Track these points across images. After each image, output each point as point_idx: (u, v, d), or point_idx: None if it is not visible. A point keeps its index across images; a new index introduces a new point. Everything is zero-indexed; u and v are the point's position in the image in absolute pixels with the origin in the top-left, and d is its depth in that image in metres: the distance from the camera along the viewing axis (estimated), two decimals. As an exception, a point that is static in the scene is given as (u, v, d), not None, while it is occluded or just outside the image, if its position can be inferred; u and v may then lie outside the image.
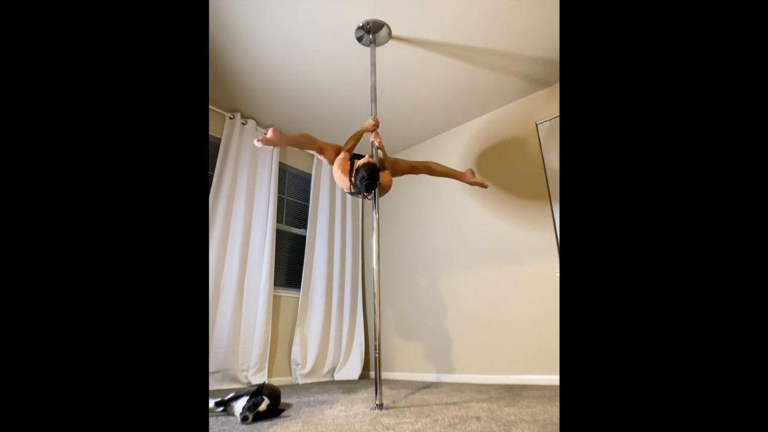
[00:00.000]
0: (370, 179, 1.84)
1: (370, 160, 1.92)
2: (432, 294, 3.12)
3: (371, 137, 2.07)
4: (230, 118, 3.00)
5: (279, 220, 3.34)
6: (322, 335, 3.19)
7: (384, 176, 1.96)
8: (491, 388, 2.23)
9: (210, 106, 2.95)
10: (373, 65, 2.29)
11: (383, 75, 2.61)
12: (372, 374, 3.35)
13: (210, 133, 2.92)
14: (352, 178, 1.88)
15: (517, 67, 2.60)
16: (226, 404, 1.52)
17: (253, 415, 1.37)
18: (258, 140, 1.83)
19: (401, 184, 3.24)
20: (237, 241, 2.78)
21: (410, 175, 2.34)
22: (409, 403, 1.74)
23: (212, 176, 2.82)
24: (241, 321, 2.70)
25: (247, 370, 2.64)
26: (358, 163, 1.89)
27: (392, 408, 1.63)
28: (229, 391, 1.93)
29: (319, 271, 3.34)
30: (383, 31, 2.25)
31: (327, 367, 3.15)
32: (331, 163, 2.08)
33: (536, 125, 2.80)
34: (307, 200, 3.58)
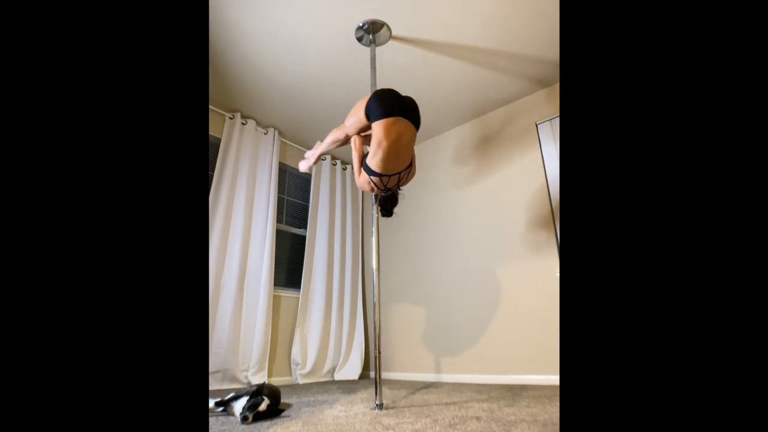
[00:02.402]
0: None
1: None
2: (432, 294, 3.12)
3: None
4: (230, 118, 3.00)
5: (279, 220, 3.34)
6: (322, 335, 3.19)
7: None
8: (491, 388, 2.23)
9: (210, 106, 2.95)
10: (373, 65, 2.30)
11: (383, 75, 2.61)
12: (372, 374, 3.35)
13: (210, 133, 2.92)
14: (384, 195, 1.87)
15: (517, 67, 2.60)
16: (226, 404, 1.52)
17: (253, 415, 1.37)
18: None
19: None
20: (237, 241, 2.78)
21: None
22: (409, 403, 1.74)
23: (212, 176, 2.82)
24: (241, 321, 2.70)
25: (247, 370, 2.64)
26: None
27: (392, 408, 1.63)
28: (229, 391, 1.93)
29: (319, 271, 3.34)
30: (383, 31, 2.25)
31: (327, 367, 3.15)
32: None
33: (536, 125, 2.80)
34: (307, 200, 3.58)
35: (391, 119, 1.67)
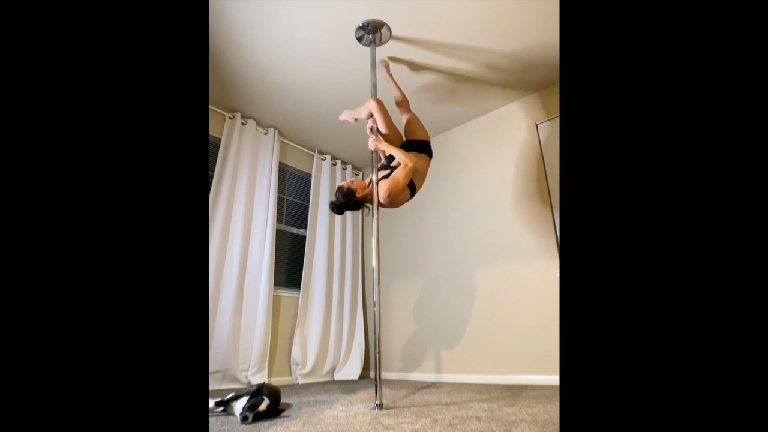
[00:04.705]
0: (336, 202, 1.93)
1: (347, 183, 1.94)
2: (432, 294, 3.12)
3: (370, 144, 2.00)
4: (230, 118, 3.00)
5: (279, 220, 3.34)
6: (322, 335, 3.19)
7: (383, 185, 1.87)
8: (491, 388, 2.23)
9: (210, 106, 2.95)
10: (373, 65, 2.29)
11: (383, 75, 2.60)
12: (372, 374, 3.35)
13: (210, 133, 2.92)
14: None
15: (517, 67, 2.60)
16: (226, 404, 1.52)
17: (253, 415, 1.37)
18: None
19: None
20: (237, 241, 2.78)
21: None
22: (409, 403, 1.74)
23: (212, 176, 2.82)
24: (241, 321, 2.70)
25: (247, 370, 2.64)
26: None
27: (392, 408, 1.63)
28: (229, 391, 1.93)
29: (319, 271, 3.34)
30: (383, 31, 2.25)
31: (327, 367, 3.15)
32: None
33: (536, 125, 2.80)
34: (307, 200, 3.58)
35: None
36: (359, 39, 2.32)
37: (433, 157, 3.40)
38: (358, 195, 1.90)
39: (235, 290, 2.69)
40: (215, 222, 2.71)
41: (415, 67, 2.58)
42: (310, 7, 2.10)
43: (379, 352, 1.74)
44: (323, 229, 3.46)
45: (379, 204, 1.88)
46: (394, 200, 1.85)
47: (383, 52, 2.42)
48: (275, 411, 1.49)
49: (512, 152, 2.90)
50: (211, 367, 2.47)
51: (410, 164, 1.86)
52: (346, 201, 1.90)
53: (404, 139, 2.19)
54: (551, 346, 2.30)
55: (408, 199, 1.95)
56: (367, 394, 2.11)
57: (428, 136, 2.17)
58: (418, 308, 3.19)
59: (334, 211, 1.96)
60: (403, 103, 2.34)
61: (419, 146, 2.07)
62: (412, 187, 1.92)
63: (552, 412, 1.39)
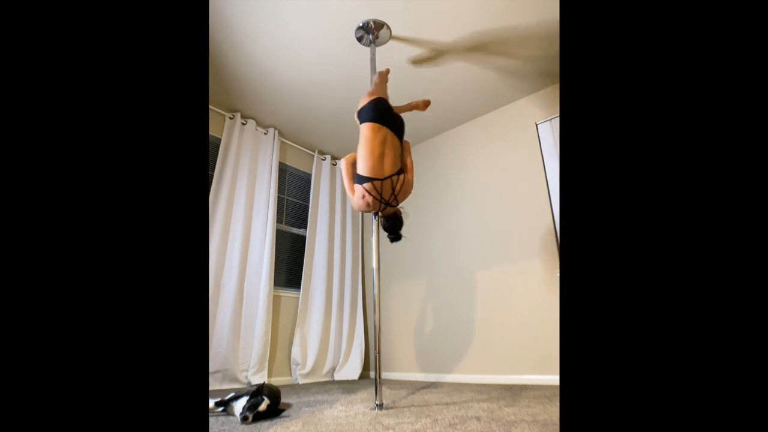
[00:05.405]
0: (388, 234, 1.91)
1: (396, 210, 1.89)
2: (432, 294, 3.12)
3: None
4: (230, 118, 3.00)
5: (279, 220, 3.34)
6: (322, 335, 3.19)
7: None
8: (491, 388, 2.23)
9: (210, 106, 2.95)
10: (373, 65, 2.30)
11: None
12: (372, 374, 3.35)
13: (210, 133, 2.92)
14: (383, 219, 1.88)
15: (518, 66, 2.60)
16: (226, 404, 1.52)
17: (253, 415, 1.37)
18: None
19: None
20: (237, 241, 2.78)
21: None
22: (409, 403, 1.74)
23: (212, 176, 2.82)
24: (241, 321, 2.70)
25: (247, 370, 2.64)
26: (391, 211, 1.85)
27: (392, 408, 1.63)
28: (229, 391, 1.93)
29: (319, 271, 3.34)
30: (383, 31, 2.25)
31: (327, 367, 3.15)
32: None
33: (536, 125, 2.80)
34: (307, 200, 3.58)
35: (377, 124, 1.81)
36: (359, 39, 2.32)
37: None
38: (384, 224, 1.92)
39: (235, 290, 2.69)
40: (215, 222, 2.71)
41: (416, 62, 2.58)
42: (310, 6, 2.10)
43: (379, 352, 1.74)
44: (323, 229, 3.46)
45: (377, 215, 1.90)
46: (363, 208, 1.79)
47: (383, 52, 2.42)
48: (275, 411, 1.49)
49: (512, 152, 2.90)
50: (211, 367, 2.47)
51: (343, 175, 1.87)
52: (385, 225, 1.91)
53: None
54: (551, 346, 2.30)
55: (370, 192, 1.73)
56: (367, 394, 2.11)
57: (364, 101, 1.90)
58: (418, 308, 3.19)
59: (393, 240, 1.95)
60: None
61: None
62: (363, 179, 1.74)
63: (552, 412, 1.39)
